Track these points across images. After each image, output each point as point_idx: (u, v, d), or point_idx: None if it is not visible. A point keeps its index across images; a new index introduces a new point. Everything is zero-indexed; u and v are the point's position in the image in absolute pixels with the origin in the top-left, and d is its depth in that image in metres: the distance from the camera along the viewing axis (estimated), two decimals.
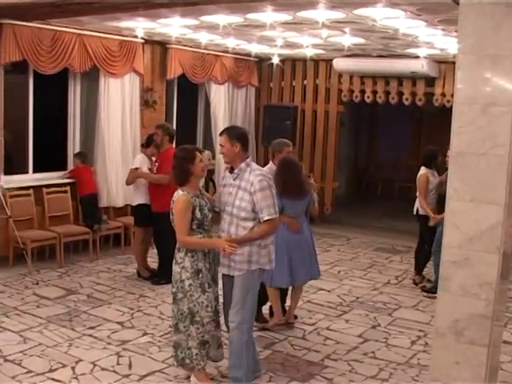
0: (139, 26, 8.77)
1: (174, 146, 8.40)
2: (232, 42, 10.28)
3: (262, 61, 12.82)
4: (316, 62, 12.50)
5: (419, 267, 8.68)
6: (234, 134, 5.15)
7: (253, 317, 5.17)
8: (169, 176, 7.84)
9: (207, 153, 10.57)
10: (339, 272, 9.30)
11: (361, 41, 9.18)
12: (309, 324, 6.99)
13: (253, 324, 5.25)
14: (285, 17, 7.43)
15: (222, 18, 7.73)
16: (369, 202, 16.26)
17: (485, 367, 4.60)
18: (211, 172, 11.62)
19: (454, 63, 10.91)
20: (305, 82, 12.83)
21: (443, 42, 8.69)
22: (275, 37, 9.27)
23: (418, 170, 8.53)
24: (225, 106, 12.12)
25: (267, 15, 7.37)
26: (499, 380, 5.14)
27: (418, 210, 8.48)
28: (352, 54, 11.18)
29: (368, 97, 12.09)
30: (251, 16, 7.46)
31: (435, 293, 8.10)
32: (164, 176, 7.97)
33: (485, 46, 4.51)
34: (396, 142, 16.94)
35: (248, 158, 5.16)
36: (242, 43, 10.43)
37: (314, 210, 6.89)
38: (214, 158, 11.50)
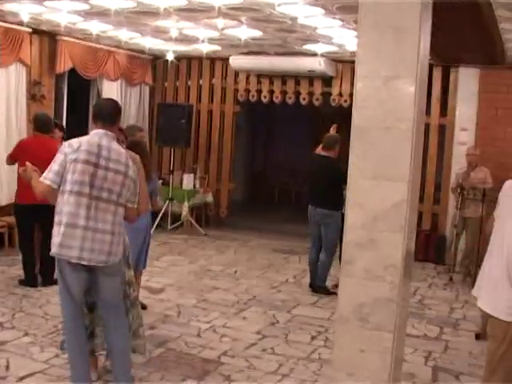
0: (24, 10, 8.16)
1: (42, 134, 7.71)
2: (125, 34, 9.82)
3: (156, 59, 12.42)
4: (212, 60, 12.21)
5: None
6: None
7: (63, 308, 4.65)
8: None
9: None
10: (235, 272, 8.98)
11: (258, 34, 8.95)
12: (204, 322, 6.61)
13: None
14: (180, 0, 7.09)
15: (113, 2, 7.31)
16: (265, 207, 16.09)
17: (390, 354, 4.38)
18: None
19: (351, 62, 10.99)
20: (200, 81, 12.51)
21: (340, 35, 8.59)
22: (170, 27, 8.90)
23: None
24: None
25: None
26: (403, 371, 4.93)
27: None
28: (249, 51, 10.98)
29: (265, 96, 11.91)
30: None
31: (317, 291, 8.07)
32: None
33: (387, 22, 4.33)
34: (293, 146, 16.86)
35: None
36: (136, 36, 10.00)
37: (156, 204, 6.45)
38: None
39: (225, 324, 6.57)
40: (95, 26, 9.18)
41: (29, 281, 7.53)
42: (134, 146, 5.64)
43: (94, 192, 4.45)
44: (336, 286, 8.21)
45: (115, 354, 4.72)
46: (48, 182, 4.44)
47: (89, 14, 8.27)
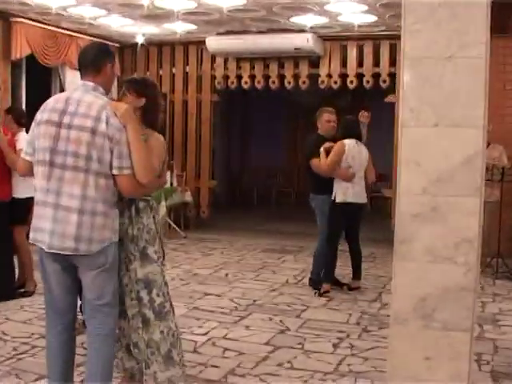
0: None
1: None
2: (88, 12, 8.62)
3: (123, 47, 11.21)
4: (185, 45, 11.04)
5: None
6: None
7: None
8: None
9: None
10: (227, 275, 7.80)
11: (241, 2, 7.83)
12: (200, 334, 5.40)
13: None
14: None
15: None
16: (246, 208, 14.99)
17: (467, 361, 3.26)
18: None
19: (341, 39, 9.93)
20: (173, 69, 11.33)
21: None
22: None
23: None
24: None
25: None
26: None
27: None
28: (227, 31, 9.87)
29: (246, 82, 10.77)
30: None
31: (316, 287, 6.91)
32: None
33: None
34: (271, 144, 15.80)
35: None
36: (101, 14, 8.80)
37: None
38: None
39: (225, 335, 5.36)
40: (54, 0, 7.98)
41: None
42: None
43: (57, 159, 3.36)
44: (349, 287, 7.09)
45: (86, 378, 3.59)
46: (22, 155, 3.63)
47: None
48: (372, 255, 9.24)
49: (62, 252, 3.36)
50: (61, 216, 3.32)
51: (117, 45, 11.04)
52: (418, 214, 3.26)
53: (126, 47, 11.18)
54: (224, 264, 8.44)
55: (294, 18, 8.76)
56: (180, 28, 9.52)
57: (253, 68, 10.71)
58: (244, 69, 10.75)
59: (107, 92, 3.58)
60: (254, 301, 6.56)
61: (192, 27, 9.57)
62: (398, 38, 9.96)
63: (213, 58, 10.91)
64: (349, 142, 6.74)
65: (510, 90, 9.19)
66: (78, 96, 3.44)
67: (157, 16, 8.79)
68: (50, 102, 3.52)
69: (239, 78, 10.82)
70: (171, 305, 3.82)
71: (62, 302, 3.55)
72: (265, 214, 14.00)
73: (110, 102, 3.46)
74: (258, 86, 10.72)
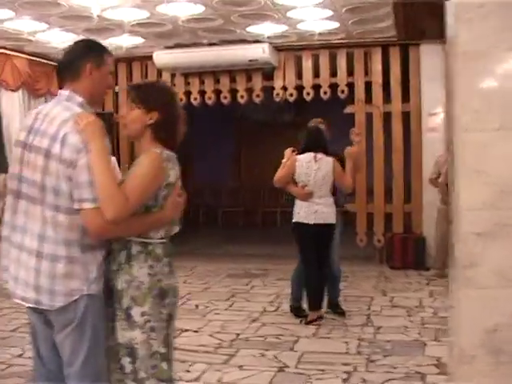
0: None
1: None
2: (27, 25, 7.90)
3: None
4: (129, 61, 10.38)
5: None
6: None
7: None
8: None
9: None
10: (197, 306, 7.18)
11: (200, 10, 7.29)
12: (191, 380, 4.74)
13: None
14: None
15: None
16: (192, 230, 14.30)
17: None
18: None
19: (294, 50, 9.50)
20: (116, 88, 10.64)
21: (302, 4, 7.09)
22: (87, 10, 7.08)
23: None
24: (20, 117, 9.57)
25: None
26: None
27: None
28: (176, 44, 9.28)
29: (195, 98, 10.18)
30: None
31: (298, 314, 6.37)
32: None
33: None
34: (214, 163, 15.25)
35: None
36: (40, 28, 8.09)
37: None
38: None
39: (220, 380, 4.73)
40: None
41: None
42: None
43: (23, 188, 2.73)
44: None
45: None
46: None
47: None
48: (343, 274, 8.78)
49: (24, 303, 2.73)
50: (23, 259, 2.69)
51: (55, 64, 10.32)
52: (483, 233, 2.79)
53: None
54: (190, 294, 7.78)
55: (251, 28, 8.27)
56: (126, 42, 8.89)
57: (202, 83, 10.15)
58: (193, 84, 10.17)
59: (94, 103, 2.85)
60: (237, 335, 5.96)
61: (139, 41, 8.96)
62: (356, 46, 9.64)
63: (159, 73, 10.29)
64: (303, 158, 6.17)
65: None
66: (48, 109, 2.81)
67: (103, 29, 8.12)
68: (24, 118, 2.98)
69: (188, 94, 10.23)
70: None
71: (52, 363, 2.83)
72: (213, 235, 13.44)
73: (78, 114, 2.69)
74: (209, 102, 10.17)
